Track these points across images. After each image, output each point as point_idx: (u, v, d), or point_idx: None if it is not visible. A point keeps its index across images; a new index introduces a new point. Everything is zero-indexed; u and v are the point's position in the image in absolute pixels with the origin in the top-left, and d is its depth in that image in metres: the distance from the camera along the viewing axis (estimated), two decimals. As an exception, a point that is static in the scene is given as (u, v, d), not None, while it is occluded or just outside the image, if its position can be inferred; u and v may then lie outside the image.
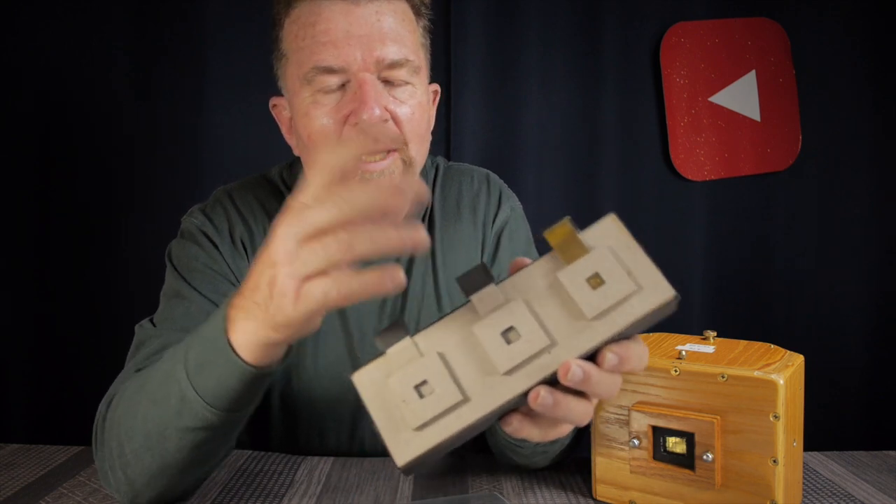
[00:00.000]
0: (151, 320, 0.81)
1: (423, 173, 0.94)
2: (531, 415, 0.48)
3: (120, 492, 0.69)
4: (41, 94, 1.54)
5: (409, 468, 0.45)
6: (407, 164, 0.81)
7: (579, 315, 0.45)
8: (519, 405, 0.47)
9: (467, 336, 0.46)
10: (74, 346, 1.55)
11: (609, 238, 0.46)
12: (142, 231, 1.54)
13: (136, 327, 0.80)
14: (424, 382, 0.45)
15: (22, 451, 0.89)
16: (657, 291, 0.44)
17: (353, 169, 0.49)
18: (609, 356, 0.45)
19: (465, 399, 0.45)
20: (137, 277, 1.52)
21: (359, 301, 0.48)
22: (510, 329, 0.45)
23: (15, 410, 1.55)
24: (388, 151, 0.79)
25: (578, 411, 0.48)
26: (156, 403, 0.63)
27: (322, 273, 0.48)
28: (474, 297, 0.46)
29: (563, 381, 0.44)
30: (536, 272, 0.47)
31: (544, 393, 0.44)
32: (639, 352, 0.47)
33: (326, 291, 0.48)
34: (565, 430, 0.51)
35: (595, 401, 0.49)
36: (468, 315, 0.47)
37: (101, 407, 0.71)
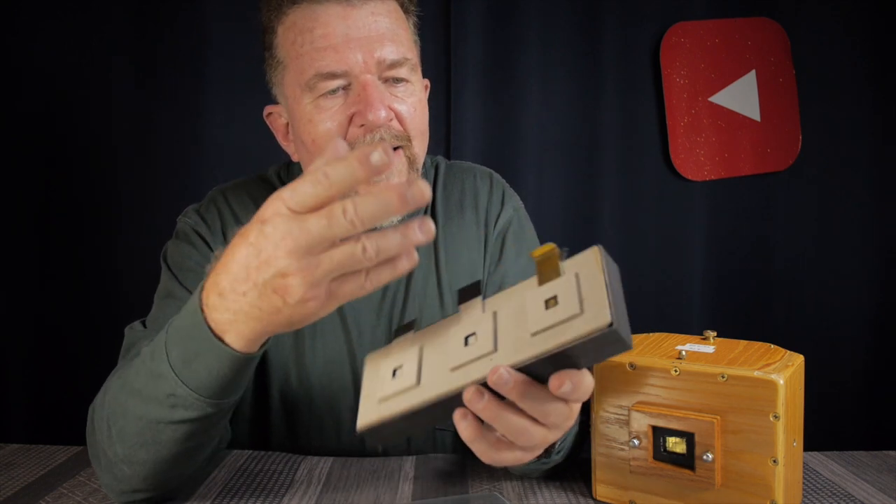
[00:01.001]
0: (143, 322, 0.81)
1: (423, 172, 0.94)
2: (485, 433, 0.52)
3: (115, 490, 0.69)
4: (41, 94, 1.54)
5: (366, 433, 0.53)
6: (411, 160, 0.82)
7: (525, 330, 0.49)
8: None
9: (444, 336, 0.53)
10: (74, 346, 1.56)
11: (584, 266, 0.49)
12: (142, 231, 1.54)
13: (127, 329, 0.80)
14: (401, 366, 0.54)
15: (22, 451, 0.88)
16: (595, 318, 0.46)
17: (351, 189, 0.49)
18: (566, 383, 0.48)
19: (416, 384, 0.52)
20: (137, 278, 1.51)
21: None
22: (472, 334, 0.52)
23: (15, 410, 1.55)
24: (393, 149, 0.79)
25: (513, 423, 0.50)
26: (146, 401, 0.63)
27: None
28: (462, 307, 0.55)
29: (489, 381, 0.48)
30: (517, 290, 0.53)
31: (475, 391, 0.48)
32: (587, 382, 0.50)
33: (360, 286, 0.51)
34: (514, 456, 0.53)
35: (549, 429, 0.52)
36: (454, 320, 0.54)
37: (90, 410, 0.71)
